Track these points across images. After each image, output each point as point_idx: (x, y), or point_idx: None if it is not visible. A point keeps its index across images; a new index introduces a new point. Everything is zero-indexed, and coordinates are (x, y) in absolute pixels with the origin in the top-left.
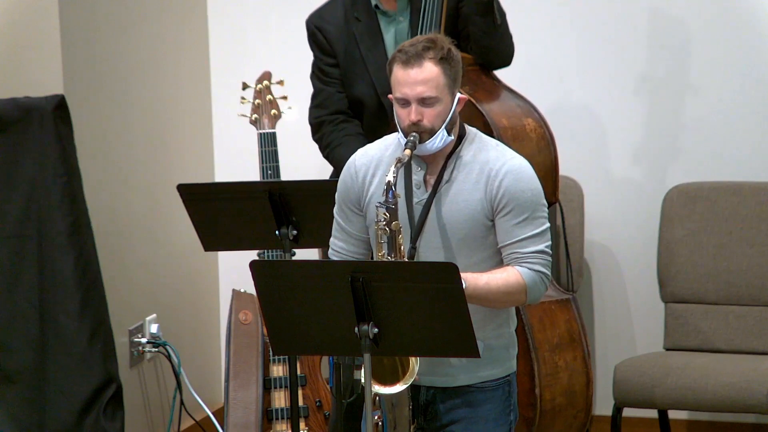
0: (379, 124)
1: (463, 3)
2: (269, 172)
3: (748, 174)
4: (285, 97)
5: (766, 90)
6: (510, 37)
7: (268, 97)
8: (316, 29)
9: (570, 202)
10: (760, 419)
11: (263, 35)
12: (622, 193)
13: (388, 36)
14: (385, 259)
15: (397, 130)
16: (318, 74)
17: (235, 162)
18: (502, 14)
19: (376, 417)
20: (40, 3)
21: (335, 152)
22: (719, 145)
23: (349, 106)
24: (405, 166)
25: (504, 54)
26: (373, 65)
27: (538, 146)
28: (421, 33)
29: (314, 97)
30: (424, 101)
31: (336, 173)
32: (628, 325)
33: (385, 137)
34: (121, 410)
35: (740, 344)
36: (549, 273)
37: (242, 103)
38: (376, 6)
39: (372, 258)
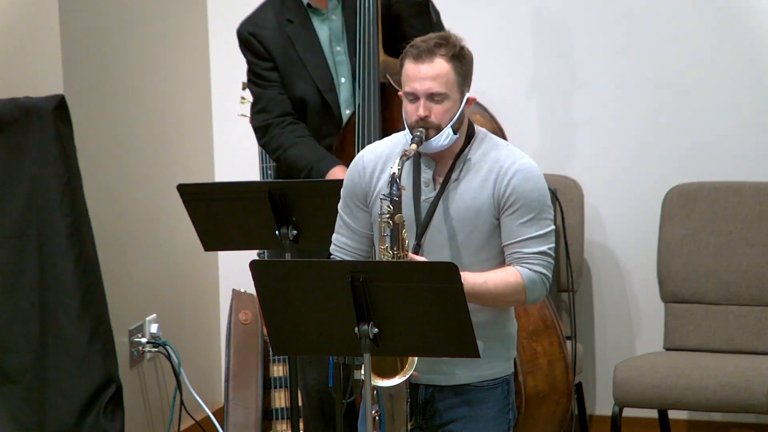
0: (323, 122)
1: (394, 5)
2: (269, 172)
3: (748, 174)
4: None
5: (765, 90)
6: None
7: None
8: (250, 35)
9: (570, 202)
10: (760, 419)
11: None
12: (622, 193)
13: (323, 33)
14: (387, 253)
15: (342, 134)
16: (255, 80)
17: (235, 162)
18: (437, 12)
19: (373, 411)
20: (40, 3)
21: (288, 153)
22: (719, 145)
23: (293, 107)
24: (414, 165)
25: None
26: (311, 63)
27: None
28: (360, 32)
29: (255, 103)
30: (432, 97)
31: (287, 176)
32: (628, 325)
33: (393, 135)
34: (121, 410)
35: (740, 344)
36: (550, 275)
37: (242, 103)
38: (308, 5)
39: (374, 253)
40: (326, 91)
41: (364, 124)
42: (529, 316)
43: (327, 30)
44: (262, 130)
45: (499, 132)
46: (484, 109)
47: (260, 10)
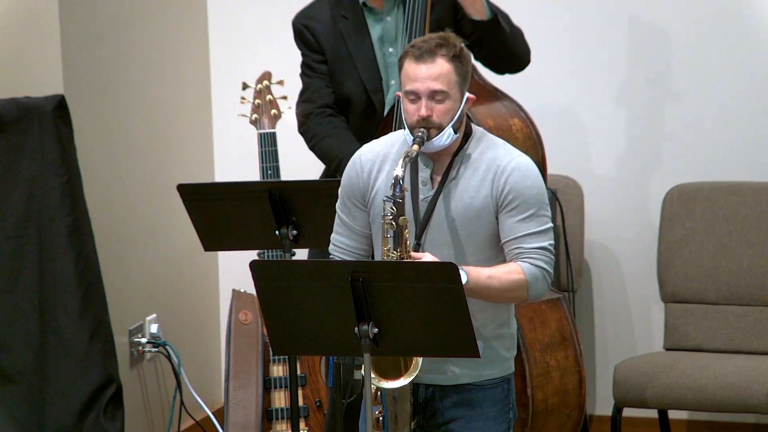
0: (366, 121)
1: (462, 20)
2: (269, 172)
3: (748, 174)
4: (285, 97)
5: (765, 90)
6: (522, 34)
7: (268, 97)
8: (303, 27)
9: (570, 202)
10: (760, 419)
11: (263, 35)
12: (622, 193)
13: (375, 33)
14: (390, 254)
15: (381, 127)
16: (306, 71)
17: (235, 162)
18: (506, 18)
19: (377, 412)
20: (40, 3)
21: (323, 143)
22: (719, 145)
23: (337, 105)
24: (411, 164)
25: (526, 52)
26: (360, 62)
27: (525, 146)
28: (407, 34)
29: (302, 93)
30: (434, 96)
31: (325, 167)
32: (628, 325)
33: (390, 134)
34: (121, 410)
35: (740, 344)
36: (551, 270)
37: (242, 103)
38: (364, 3)
39: (375, 253)
40: (373, 91)
41: (402, 118)
42: (546, 328)
43: (380, 29)
44: (302, 119)
45: (536, 137)
46: (523, 112)
47: (317, 2)
